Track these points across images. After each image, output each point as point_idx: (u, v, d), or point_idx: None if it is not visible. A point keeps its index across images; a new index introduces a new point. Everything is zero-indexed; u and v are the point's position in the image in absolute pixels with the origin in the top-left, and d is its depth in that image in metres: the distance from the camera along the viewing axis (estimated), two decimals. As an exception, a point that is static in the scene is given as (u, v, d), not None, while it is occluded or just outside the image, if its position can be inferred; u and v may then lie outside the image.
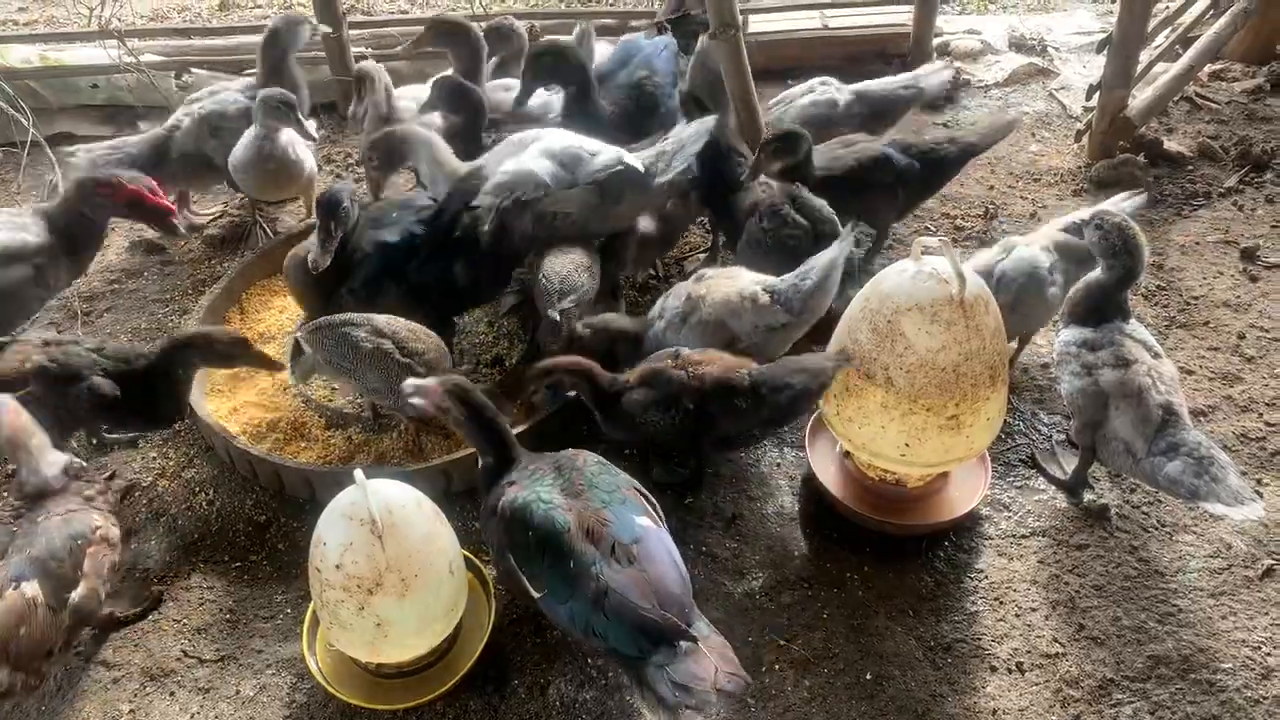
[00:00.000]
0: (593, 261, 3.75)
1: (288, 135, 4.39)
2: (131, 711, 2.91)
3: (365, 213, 3.77)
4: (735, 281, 3.45)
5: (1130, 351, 3.13)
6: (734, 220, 3.92)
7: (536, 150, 3.77)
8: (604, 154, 3.77)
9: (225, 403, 3.80)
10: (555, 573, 2.56)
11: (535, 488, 2.68)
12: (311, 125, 4.43)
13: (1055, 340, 3.36)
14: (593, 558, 2.52)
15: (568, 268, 3.60)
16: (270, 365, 3.49)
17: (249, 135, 4.37)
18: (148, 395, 3.37)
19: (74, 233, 3.80)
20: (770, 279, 3.41)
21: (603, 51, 4.75)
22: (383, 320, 3.41)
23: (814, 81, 4.66)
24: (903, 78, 4.75)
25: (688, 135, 3.90)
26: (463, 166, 3.83)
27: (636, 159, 3.77)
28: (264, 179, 4.46)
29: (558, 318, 3.47)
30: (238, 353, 3.39)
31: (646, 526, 2.63)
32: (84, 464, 3.02)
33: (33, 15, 7.16)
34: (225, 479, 3.61)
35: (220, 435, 3.50)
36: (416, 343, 3.38)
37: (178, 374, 3.40)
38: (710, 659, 2.41)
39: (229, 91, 4.72)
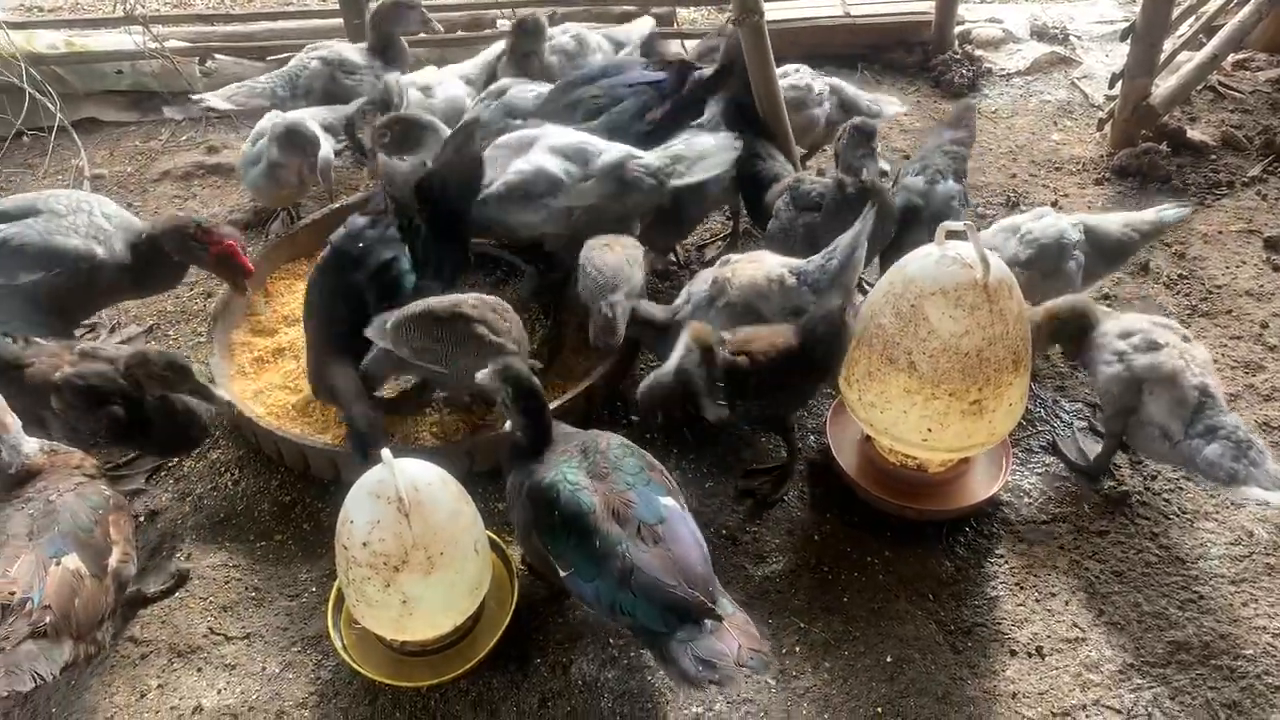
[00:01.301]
0: (638, 252, 3.71)
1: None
2: (159, 687, 2.95)
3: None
4: (761, 265, 3.46)
5: (1160, 335, 3.13)
6: (763, 212, 3.97)
7: (543, 147, 3.82)
8: (612, 149, 3.82)
9: (250, 384, 3.83)
10: (581, 552, 2.59)
11: (561, 469, 2.70)
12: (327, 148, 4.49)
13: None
14: (619, 538, 2.55)
15: (619, 260, 3.57)
16: (206, 395, 3.32)
17: (257, 150, 4.44)
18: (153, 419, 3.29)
19: (151, 269, 3.73)
20: (796, 261, 3.42)
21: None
22: (469, 302, 3.40)
23: (788, 67, 4.65)
24: (869, 97, 4.70)
25: (710, 148, 3.91)
26: None
27: (649, 156, 3.82)
28: (272, 195, 4.60)
29: (610, 312, 3.43)
30: (173, 377, 3.24)
31: (670, 507, 2.66)
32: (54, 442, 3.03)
33: (59, 1, 7.21)
34: (250, 459, 3.65)
35: (246, 417, 3.53)
36: (502, 321, 3.40)
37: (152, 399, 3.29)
38: (734, 635, 2.45)
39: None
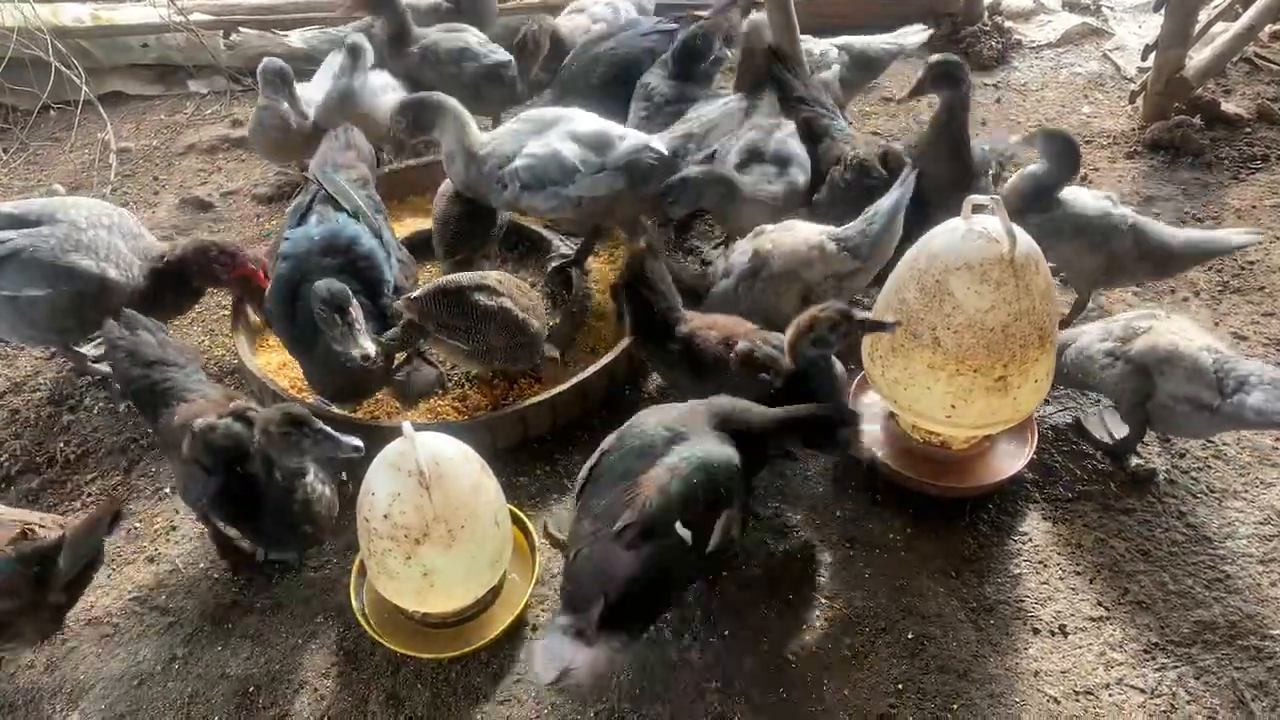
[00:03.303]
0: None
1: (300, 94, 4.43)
2: (185, 655, 2.99)
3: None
4: (796, 233, 3.45)
5: (1136, 322, 3.17)
6: (816, 170, 3.93)
7: (562, 132, 3.72)
8: (630, 138, 3.76)
9: (275, 357, 3.84)
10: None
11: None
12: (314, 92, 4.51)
13: (1066, 356, 3.33)
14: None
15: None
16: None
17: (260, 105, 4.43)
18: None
19: (165, 294, 3.63)
20: (833, 228, 3.42)
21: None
22: (494, 278, 3.40)
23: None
24: (886, 37, 4.72)
25: (718, 115, 3.90)
26: (481, 140, 3.74)
27: (661, 142, 3.77)
28: (269, 148, 4.58)
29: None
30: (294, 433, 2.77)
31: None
32: None
33: (83, -25, 7.23)
34: (274, 432, 3.67)
35: (270, 390, 3.54)
36: (525, 297, 3.41)
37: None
38: (587, 655, 2.48)
39: None
